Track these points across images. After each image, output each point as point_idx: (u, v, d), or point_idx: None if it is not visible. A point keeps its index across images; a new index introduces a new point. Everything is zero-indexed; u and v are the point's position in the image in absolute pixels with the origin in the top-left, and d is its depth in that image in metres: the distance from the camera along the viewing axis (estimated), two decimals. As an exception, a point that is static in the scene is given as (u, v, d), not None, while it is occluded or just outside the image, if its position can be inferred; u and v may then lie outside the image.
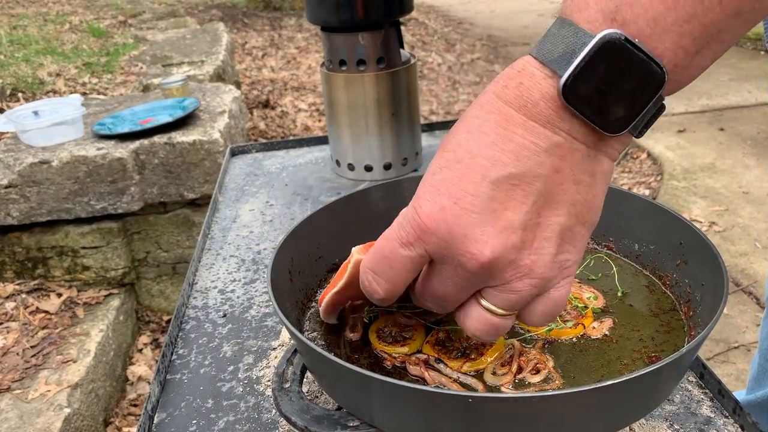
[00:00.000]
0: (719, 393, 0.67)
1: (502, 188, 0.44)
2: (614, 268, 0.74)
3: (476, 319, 0.49)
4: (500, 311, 0.48)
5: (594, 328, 0.65)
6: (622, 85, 0.42)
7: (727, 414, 0.65)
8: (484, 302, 0.48)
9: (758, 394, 1.19)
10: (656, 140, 4.07)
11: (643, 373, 0.46)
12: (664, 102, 0.44)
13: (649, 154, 3.91)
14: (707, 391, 0.68)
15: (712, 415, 0.65)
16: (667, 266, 0.70)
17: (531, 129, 0.44)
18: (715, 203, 3.31)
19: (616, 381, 0.46)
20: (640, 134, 0.45)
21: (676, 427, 0.64)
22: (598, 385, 0.45)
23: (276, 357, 0.78)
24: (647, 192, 3.50)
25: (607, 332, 0.65)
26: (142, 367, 2.35)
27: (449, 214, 0.45)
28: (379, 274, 0.49)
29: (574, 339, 0.64)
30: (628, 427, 0.63)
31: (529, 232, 0.45)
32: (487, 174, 0.44)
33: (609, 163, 0.46)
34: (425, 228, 0.45)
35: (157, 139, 2.34)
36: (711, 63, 0.43)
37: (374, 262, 0.50)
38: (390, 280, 0.49)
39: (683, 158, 3.78)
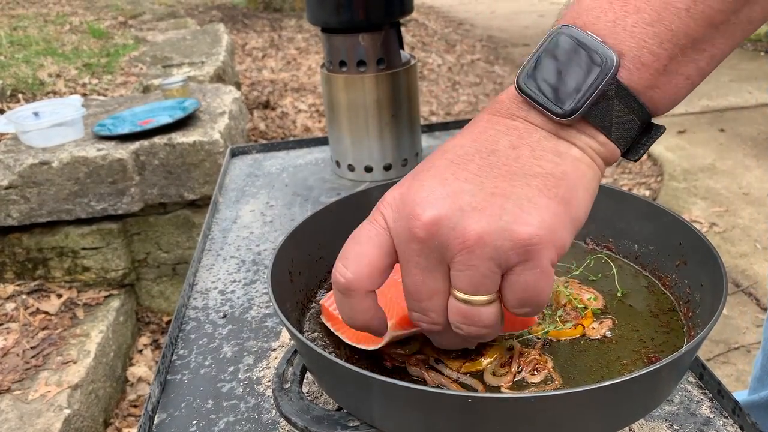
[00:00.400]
0: (719, 393, 0.67)
1: (457, 162, 0.46)
2: (614, 269, 0.74)
3: (451, 311, 0.48)
4: (469, 296, 0.46)
5: (593, 328, 0.65)
6: (571, 73, 0.45)
7: (727, 414, 0.65)
8: (453, 291, 0.47)
9: (761, 395, 1.19)
10: (656, 141, 4.06)
11: (642, 373, 0.47)
12: (644, 107, 0.45)
13: (649, 155, 3.91)
14: (707, 391, 0.69)
15: (712, 416, 0.65)
16: (667, 267, 0.70)
17: (492, 119, 0.47)
18: (715, 204, 3.32)
19: (615, 381, 0.46)
20: (626, 150, 0.48)
21: (675, 427, 0.64)
22: (598, 385, 0.46)
23: (276, 358, 0.78)
24: (647, 193, 3.50)
25: (606, 333, 0.65)
26: (142, 368, 2.35)
27: (406, 187, 0.47)
28: (346, 255, 0.49)
29: (573, 339, 0.64)
30: (627, 428, 0.63)
31: (480, 199, 0.44)
32: (446, 153, 0.47)
33: (579, 151, 0.46)
34: (384, 201, 0.48)
35: (158, 140, 2.35)
36: (698, 76, 0.45)
37: (344, 248, 0.50)
38: (355, 259, 0.48)
39: (683, 159, 3.78)
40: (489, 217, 0.43)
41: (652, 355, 0.61)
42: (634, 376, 0.46)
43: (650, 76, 0.44)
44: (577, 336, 0.64)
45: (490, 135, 0.46)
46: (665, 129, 0.48)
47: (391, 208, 0.47)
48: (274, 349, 0.80)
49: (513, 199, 0.44)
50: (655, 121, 0.48)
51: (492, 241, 0.43)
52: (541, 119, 0.46)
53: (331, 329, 0.68)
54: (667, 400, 0.67)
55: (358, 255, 0.48)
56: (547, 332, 0.64)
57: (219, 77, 3.54)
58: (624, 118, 0.45)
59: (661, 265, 0.71)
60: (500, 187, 0.44)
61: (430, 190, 0.45)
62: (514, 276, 0.45)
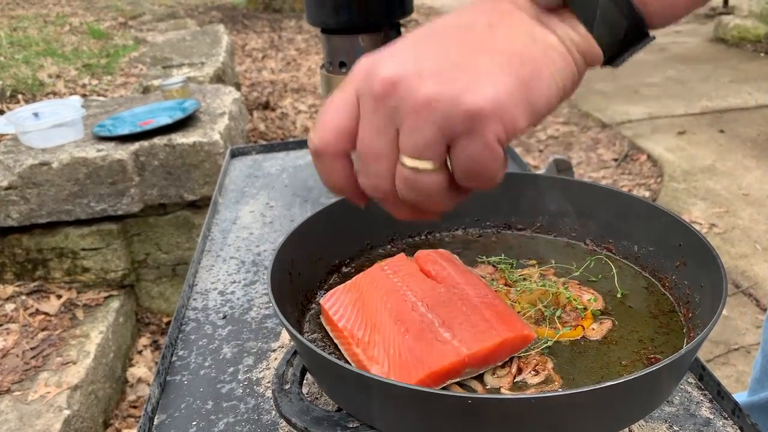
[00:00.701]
0: (719, 394, 0.67)
1: (433, 34, 0.46)
2: (614, 270, 0.74)
3: (397, 177, 0.47)
4: (413, 162, 0.45)
5: (593, 329, 0.65)
6: None
7: (727, 415, 0.65)
8: (400, 156, 0.46)
9: (761, 396, 1.19)
10: (656, 142, 4.07)
11: (642, 374, 0.47)
12: (633, 8, 0.45)
13: (649, 156, 3.91)
14: (707, 392, 0.69)
15: (712, 417, 0.65)
16: (667, 268, 0.70)
17: (481, 2, 0.48)
18: (715, 205, 3.31)
19: (615, 382, 0.46)
20: (605, 49, 0.46)
21: (675, 428, 0.64)
22: (598, 386, 0.46)
23: (276, 358, 0.78)
24: (647, 194, 3.50)
25: (606, 334, 0.65)
26: (141, 369, 2.35)
27: (378, 53, 0.47)
28: (317, 123, 0.50)
29: (573, 341, 0.64)
30: (627, 428, 0.63)
31: (441, 66, 0.44)
32: (428, 26, 0.47)
33: (555, 39, 0.46)
34: (355, 66, 0.48)
35: (157, 140, 2.34)
36: None
37: (317, 117, 0.50)
38: (322, 125, 0.49)
39: (683, 160, 3.78)
40: (443, 83, 0.43)
41: (652, 356, 0.61)
42: (634, 377, 0.46)
43: None
44: (578, 337, 0.64)
45: (474, 13, 0.47)
46: (654, 38, 0.47)
47: (359, 72, 0.47)
48: (274, 350, 0.80)
49: (472, 70, 0.43)
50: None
51: (440, 107, 0.43)
52: (527, 3, 0.47)
53: (331, 335, 0.68)
54: (667, 401, 0.67)
55: (325, 121, 0.49)
56: (547, 342, 0.64)
57: (219, 78, 3.55)
58: (609, 16, 0.45)
59: (661, 266, 0.71)
60: (464, 58, 0.44)
61: (397, 54, 0.46)
62: (459, 146, 0.44)
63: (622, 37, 0.46)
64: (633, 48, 0.46)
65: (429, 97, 0.43)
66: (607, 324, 0.66)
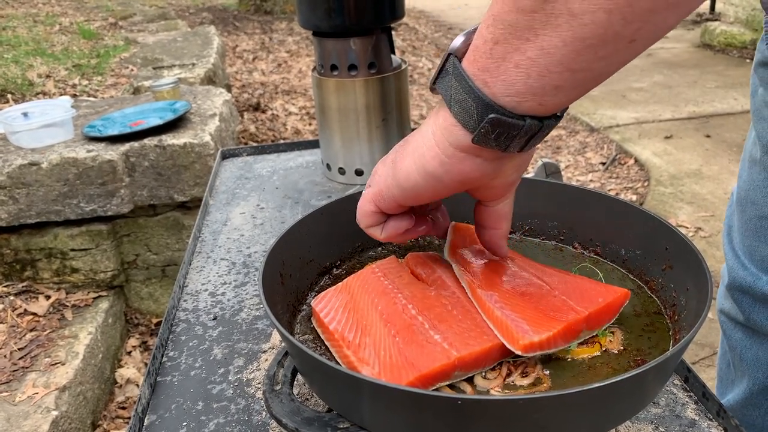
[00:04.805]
0: (704, 396, 0.68)
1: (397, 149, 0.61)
2: (600, 275, 0.75)
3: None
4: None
5: (611, 341, 0.65)
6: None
7: (711, 417, 0.66)
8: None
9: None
10: (643, 146, 4.10)
11: (628, 376, 0.47)
12: (475, 89, 0.48)
13: (636, 160, 3.94)
14: (692, 394, 0.70)
15: (697, 418, 0.66)
16: (653, 271, 0.71)
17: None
18: (701, 209, 3.34)
19: (602, 384, 0.46)
20: (476, 136, 0.51)
21: (661, 429, 0.65)
22: (585, 387, 0.46)
23: (266, 360, 0.79)
24: (634, 198, 3.53)
25: (623, 343, 0.64)
26: (130, 370, 2.34)
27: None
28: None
29: (591, 356, 0.63)
30: (614, 430, 0.64)
31: (390, 156, 0.61)
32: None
33: (428, 128, 0.55)
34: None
35: (148, 141, 2.34)
36: (532, 68, 0.45)
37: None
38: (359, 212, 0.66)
39: (670, 164, 3.81)
40: (378, 171, 0.62)
41: (638, 358, 0.62)
42: (620, 378, 0.47)
43: (480, 58, 0.48)
44: (597, 353, 0.64)
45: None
46: (527, 124, 0.49)
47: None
48: (265, 351, 0.80)
49: (390, 155, 0.60)
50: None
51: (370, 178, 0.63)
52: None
53: (322, 337, 0.68)
54: (653, 403, 0.68)
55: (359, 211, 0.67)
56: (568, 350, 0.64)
57: (209, 79, 3.54)
58: (459, 95, 0.50)
59: (648, 269, 0.72)
60: (393, 155, 0.60)
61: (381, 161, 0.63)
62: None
63: (477, 117, 0.49)
64: (487, 125, 0.49)
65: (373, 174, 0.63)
66: (618, 333, 0.66)
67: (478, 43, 0.48)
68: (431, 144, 0.54)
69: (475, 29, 0.50)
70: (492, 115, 0.48)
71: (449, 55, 0.51)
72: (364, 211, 0.63)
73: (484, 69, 0.48)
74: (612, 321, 0.66)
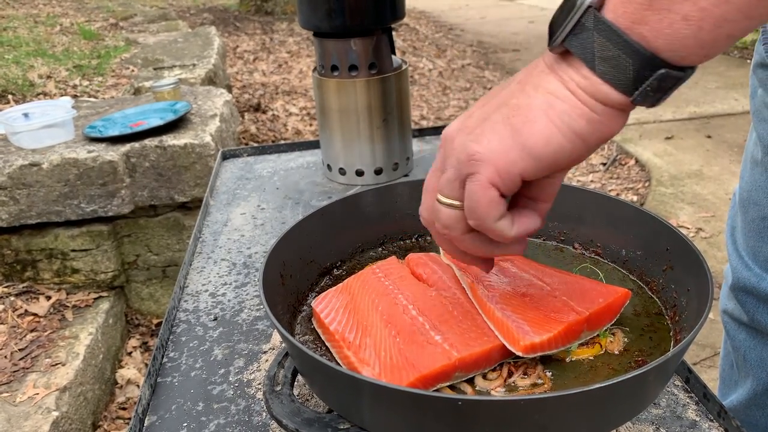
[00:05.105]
0: (704, 397, 0.68)
1: (487, 95, 0.54)
2: (600, 275, 0.75)
3: (434, 209, 0.55)
4: (439, 195, 0.53)
5: (611, 342, 0.65)
6: (565, 2, 0.48)
7: (712, 417, 0.66)
8: (437, 195, 0.54)
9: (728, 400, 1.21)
10: (644, 147, 4.09)
11: (629, 376, 0.47)
12: (631, 43, 0.44)
13: (637, 161, 3.94)
14: (693, 395, 0.69)
15: (698, 419, 0.66)
16: (654, 271, 0.71)
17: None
18: (701, 209, 3.34)
19: (602, 384, 0.46)
20: (635, 93, 0.46)
21: (662, 430, 0.64)
22: (585, 388, 0.46)
23: (267, 360, 0.79)
24: (635, 198, 3.53)
25: (624, 344, 0.64)
26: (131, 371, 2.34)
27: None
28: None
29: (591, 357, 0.63)
30: (615, 430, 0.64)
31: (474, 121, 0.52)
32: (495, 88, 0.55)
33: (557, 84, 0.48)
34: None
35: (148, 142, 2.34)
36: (703, 19, 0.42)
37: None
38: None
39: (671, 165, 3.81)
40: (465, 134, 0.51)
41: (639, 358, 0.62)
42: (621, 379, 0.47)
43: (635, 10, 0.44)
44: (598, 353, 0.64)
45: (518, 73, 0.52)
46: (686, 75, 0.46)
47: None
48: (265, 352, 0.80)
49: (487, 122, 0.50)
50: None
51: (457, 153, 0.51)
52: (549, 54, 0.50)
53: (322, 337, 0.68)
54: (654, 404, 0.68)
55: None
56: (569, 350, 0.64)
57: (210, 80, 3.54)
58: (608, 52, 0.45)
59: (649, 269, 0.72)
60: (488, 113, 0.51)
61: (461, 116, 0.55)
62: (466, 186, 0.51)
63: (633, 74, 0.45)
64: (660, 83, 0.46)
65: (455, 147, 0.52)
66: (620, 334, 0.65)
67: None
68: (574, 102, 0.47)
69: None
70: (662, 71, 0.45)
71: (588, 7, 0.45)
72: (488, 200, 0.50)
73: (640, 22, 0.44)
74: (613, 321, 0.66)
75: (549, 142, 0.48)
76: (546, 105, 0.48)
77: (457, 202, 0.52)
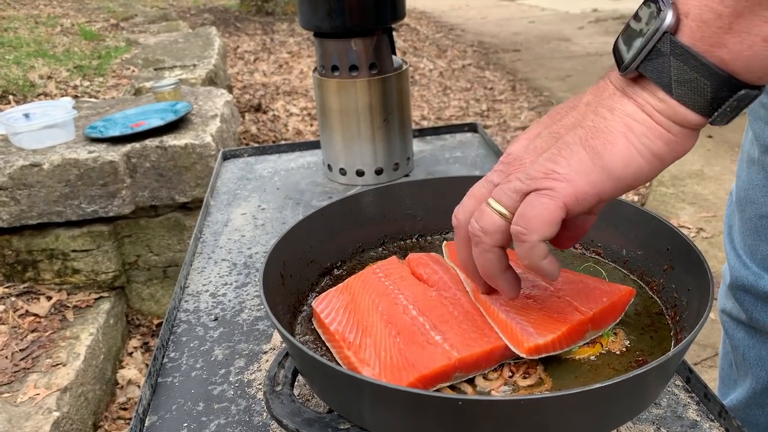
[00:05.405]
0: (705, 397, 0.68)
1: (551, 115, 0.55)
2: (604, 274, 0.75)
3: (478, 211, 0.55)
4: (492, 201, 0.53)
5: (613, 342, 0.65)
6: (634, 30, 0.49)
7: (713, 417, 0.66)
8: (488, 199, 0.54)
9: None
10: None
11: (629, 376, 0.47)
12: (710, 66, 0.45)
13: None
14: (694, 395, 0.69)
15: (698, 419, 0.66)
16: (655, 271, 0.71)
17: (595, 84, 0.54)
18: (703, 209, 3.34)
19: (603, 384, 0.46)
20: (705, 113, 0.47)
21: (663, 430, 0.64)
22: (586, 388, 0.46)
23: (267, 360, 0.79)
24: (636, 198, 3.53)
25: (626, 344, 0.64)
26: (132, 371, 2.34)
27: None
28: None
29: (592, 357, 0.63)
30: (615, 430, 0.64)
31: (545, 142, 0.53)
32: (555, 108, 0.56)
33: (633, 107, 0.49)
34: None
35: (149, 142, 2.34)
36: None
37: None
38: None
39: (672, 165, 3.81)
40: (536, 154, 0.53)
41: (640, 358, 0.62)
42: (621, 379, 0.47)
43: (713, 34, 0.44)
44: (597, 353, 0.64)
45: (583, 94, 0.54)
46: (761, 92, 0.46)
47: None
48: (266, 352, 0.80)
49: (560, 143, 0.51)
50: None
51: (527, 169, 0.52)
52: (616, 76, 0.51)
53: (323, 337, 0.68)
54: (655, 404, 0.68)
55: None
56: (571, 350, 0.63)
57: (211, 80, 3.54)
58: (685, 76, 0.46)
59: (649, 269, 0.72)
60: (559, 134, 0.52)
61: (523, 134, 0.56)
62: (529, 197, 0.51)
63: (711, 96, 0.46)
64: (735, 103, 0.46)
65: (524, 163, 0.53)
66: (622, 334, 0.65)
67: (707, 17, 0.44)
68: (652, 125, 0.48)
69: (672, 2, 0.46)
70: (742, 92, 0.46)
71: (664, 33, 0.46)
72: (551, 218, 0.50)
73: (719, 45, 0.44)
74: (618, 320, 0.66)
75: (629, 163, 0.49)
76: (624, 127, 0.49)
77: (506, 212, 0.52)
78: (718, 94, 0.46)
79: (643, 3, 0.49)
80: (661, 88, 0.48)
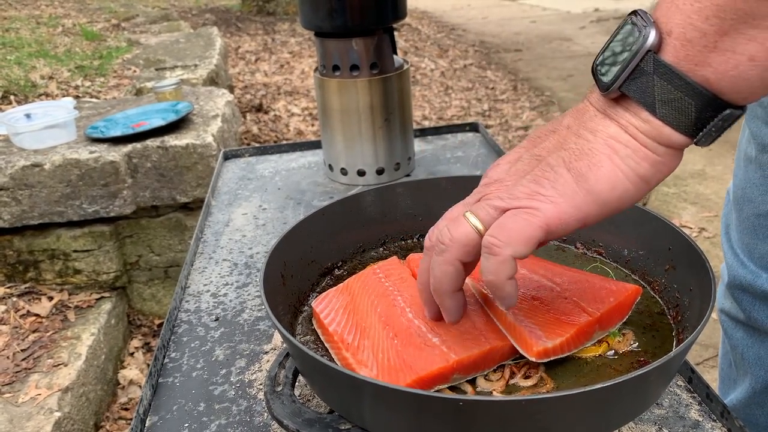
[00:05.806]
0: (707, 397, 0.67)
1: (532, 138, 0.55)
2: (611, 273, 0.75)
3: (452, 222, 0.53)
4: (470, 217, 0.52)
5: (619, 341, 0.64)
6: (615, 50, 0.48)
7: (715, 417, 0.66)
8: (465, 212, 0.53)
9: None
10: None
11: (631, 377, 0.47)
12: (694, 86, 0.44)
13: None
14: (696, 395, 0.69)
15: (701, 419, 0.66)
16: (656, 271, 0.71)
17: (575, 107, 0.53)
18: (704, 209, 3.33)
19: (604, 384, 0.46)
20: (691, 133, 0.46)
21: (665, 430, 0.64)
22: (588, 388, 0.46)
23: (268, 361, 0.79)
24: (638, 198, 3.52)
25: (633, 344, 0.64)
26: (133, 371, 2.34)
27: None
28: None
29: (596, 356, 0.63)
30: (617, 431, 0.64)
31: (527, 164, 0.53)
32: (536, 130, 0.56)
33: (617, 129, 0.48)
34: None
35: (150, 142, 2.34)
36: (763, 52, 0.42)
37: None
38: None
39: (674, 165, 3.80)
40: (519, 176, 0.52)
41: (641, 358, 0.62)
42: (623, 379, 0.47)
43: (698, 53, 0.43)
44: (602, 353, 0.63)
45: (564, 117, 0.53)
46: (741, 113, 0.45)
47: None
48: (266, 352, 0.80)
49: (544, 164, 0.50)
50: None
51: (510, 191, 0.51)
52: (596, 98, 0.50)
53: (322, 338, 0.68)
54: (657, 404, 0.68)
55: None
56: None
57: (212, 80, 3.54)
58: (669, 95, 0.45)
59: (651, 269, 0.72)
60: (542, 156, 0.52)
61: (503, 158, 0.56)
62: (510, 212, 0.50)
63: (695, 116, 0.45)
64: (719, 122, 0.46)
65: (506, 185, 0.52)
66: (630, 334, 0.65)
67: (691, 36, 0.43)
68: (636, 146, 0.48)
69: (654, 20, 0.45)
70: (726, 111, 0.45)
71: (647, 52, 0.45)
72: (528, 236, 0.48)
73: (703, 64, 0.43)
74: (624, 319, 0.65)
75: (615, 186, 0.48)
76: (609, 149, 0.48)
77: (481, 227, 0.51)
78: (702, 114, 0.45)
79: (623, 22, 0.48)
80: (644, 108, 0.47)
